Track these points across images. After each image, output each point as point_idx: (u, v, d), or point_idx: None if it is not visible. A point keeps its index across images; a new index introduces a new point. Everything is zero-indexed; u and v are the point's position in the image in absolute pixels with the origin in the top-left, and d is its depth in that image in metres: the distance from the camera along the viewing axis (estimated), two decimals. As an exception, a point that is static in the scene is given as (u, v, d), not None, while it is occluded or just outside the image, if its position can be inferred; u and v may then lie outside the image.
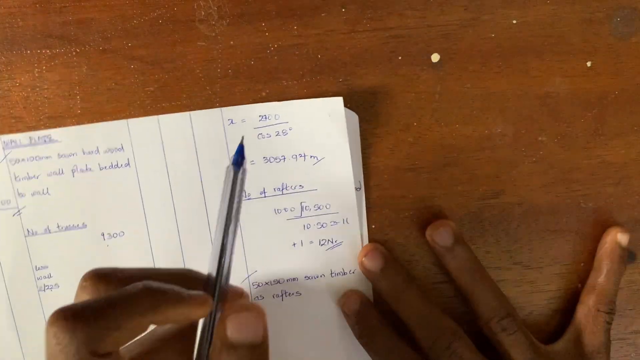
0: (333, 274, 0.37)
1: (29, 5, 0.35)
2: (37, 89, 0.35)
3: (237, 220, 0.28)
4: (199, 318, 0.26)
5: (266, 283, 0.37)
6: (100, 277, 0.25)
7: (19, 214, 0.37)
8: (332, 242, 0.37)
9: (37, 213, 0.37)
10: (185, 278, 0.27)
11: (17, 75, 0.35)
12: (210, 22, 0.35)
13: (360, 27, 0.35)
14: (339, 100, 0.36)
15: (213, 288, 0.26)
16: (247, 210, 0.37)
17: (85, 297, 0.25)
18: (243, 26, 0.35)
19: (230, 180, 0.28)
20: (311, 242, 0.37)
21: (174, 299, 0.24)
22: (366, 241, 0.37)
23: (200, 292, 0.25)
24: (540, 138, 0.37)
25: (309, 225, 0.37)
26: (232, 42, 0.36)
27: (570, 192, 0.38)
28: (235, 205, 0.28)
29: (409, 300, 0.35)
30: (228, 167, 0.30)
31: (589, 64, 0.36)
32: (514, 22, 0.36)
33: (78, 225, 0.37)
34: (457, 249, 0.36)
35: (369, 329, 0.36)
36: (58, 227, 0.37)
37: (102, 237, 0.37)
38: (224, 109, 0.36)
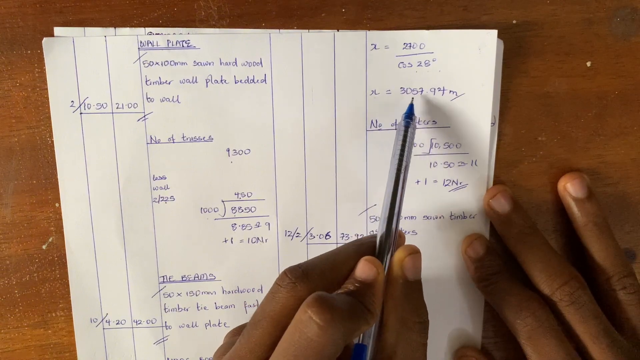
0: (452, 217, 0.37)
1: (29, 5, 0.35)
2: (37, 89, 0.35)
3: (406, 173, 0.32)
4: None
5: None
6: (305, 275, 0.28)
7: (145, 119, 0.35)
8: (457, 184, 0.36)
9: (163, 120, 0.35)
10: (360, 245, 0.30)
11: (17, 75, 0.35)
12: (210, 22, 0.35)
13: (360, 27, 0.35)
14: (493, 33, 0.35)
15: (387, 232, 0.31)
16: (375, 139, 0.36)
17: (290, 293, 0.27)
18: (243, 26, 0.35)
19: (401, 136, 0.33)
20: (435, 181, 0.36)
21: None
22: (491, 183, 0.37)
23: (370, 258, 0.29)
24: (540, 138, 0.37)
25: (435, 164, 0.36)
26: (232, 42, 0.36)
27: (570, 192, 0.38)
28: (404, 160, 0.32)
29: (535, 244, 0.35)
30: (399, 122, 0.33)
31: (588, 64, 0.36)
32: (514, 22, 0.36)
33: (204, 137, 0.36)
34: (588, 201, 0.36)
35: (493, 274, 0.36)
36: (183, 137, 0.36)
37: (227, 152, 0.36)
38: (369, 32, 0.35)
